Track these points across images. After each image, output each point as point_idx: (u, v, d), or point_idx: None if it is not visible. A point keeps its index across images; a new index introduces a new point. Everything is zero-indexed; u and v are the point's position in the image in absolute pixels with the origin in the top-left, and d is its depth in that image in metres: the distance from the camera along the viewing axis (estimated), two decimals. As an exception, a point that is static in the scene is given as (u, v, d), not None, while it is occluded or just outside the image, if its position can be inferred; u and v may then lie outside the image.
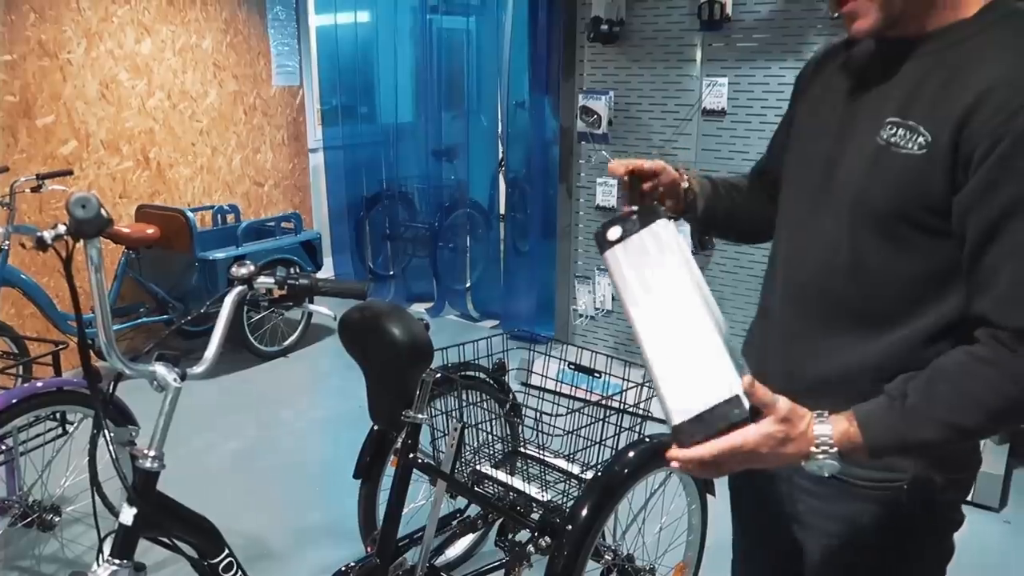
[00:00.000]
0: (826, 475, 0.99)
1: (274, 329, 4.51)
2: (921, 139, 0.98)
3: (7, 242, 3.42)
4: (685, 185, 1.28)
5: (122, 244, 4.01)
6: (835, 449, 0.98)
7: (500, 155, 5.06)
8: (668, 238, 1.03)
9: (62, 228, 1.29)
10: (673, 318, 0.99)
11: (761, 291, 1.31)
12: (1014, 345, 0.95)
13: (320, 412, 3.82)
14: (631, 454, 1.91)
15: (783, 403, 0.97)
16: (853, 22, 1.05)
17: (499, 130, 5.02)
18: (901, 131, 1.00)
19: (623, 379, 2.05)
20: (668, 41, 3.55)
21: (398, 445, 2.04)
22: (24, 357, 3.25)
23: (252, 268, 1.55)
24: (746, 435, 0.95)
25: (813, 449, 0.98)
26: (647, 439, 1.96)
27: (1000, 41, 0.98)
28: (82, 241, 1.27)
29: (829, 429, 0.98)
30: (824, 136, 1.13)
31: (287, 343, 4.53)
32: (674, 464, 0.99)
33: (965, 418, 0.97)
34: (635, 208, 1.07)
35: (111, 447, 1.40)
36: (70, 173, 3.75)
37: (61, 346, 2.43)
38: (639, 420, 1.96)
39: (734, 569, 1.51)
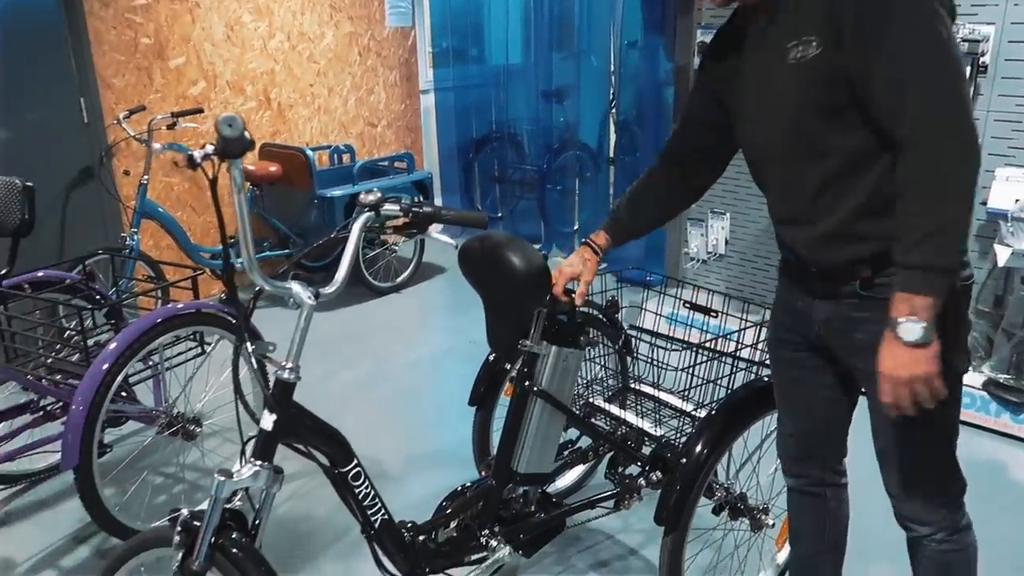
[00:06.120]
0: None
1: (388, 266, 4.65)
2: (814, 41, 1.32)
3: (146, 176, 3.65)
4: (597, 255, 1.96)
5: (248, 181, 4.21)
6: None
7: (611, 96, 4.96)
8: None
9: (210, 148, 1.36)
10: None
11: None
12: None
13: (430, 348, 3.94)
14: (747, 394, 1.88)
15: None
16: None
17: (610, 71, 4.91)
18: (800, 47, 1.34)
19: (741, 318, 2.01)
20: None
21: (513, 374, 2.08)
22: (163, 282, 3.49)
23: (379, 195, 1.60)
24: None
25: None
26: (765, 379, 1.92)
27: None
28: (227, 162, 1.34)
29: None
30: (747, 82, 1.47)
31: (400, 279, 4.68)
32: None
33: None
34: None
35: (252, 358, 1.50)
36: (201, 111, 3.94)
37: (199, 271, 2.59)
38: (756, 362, 1.92)
39: (779, 440, 1.74)
